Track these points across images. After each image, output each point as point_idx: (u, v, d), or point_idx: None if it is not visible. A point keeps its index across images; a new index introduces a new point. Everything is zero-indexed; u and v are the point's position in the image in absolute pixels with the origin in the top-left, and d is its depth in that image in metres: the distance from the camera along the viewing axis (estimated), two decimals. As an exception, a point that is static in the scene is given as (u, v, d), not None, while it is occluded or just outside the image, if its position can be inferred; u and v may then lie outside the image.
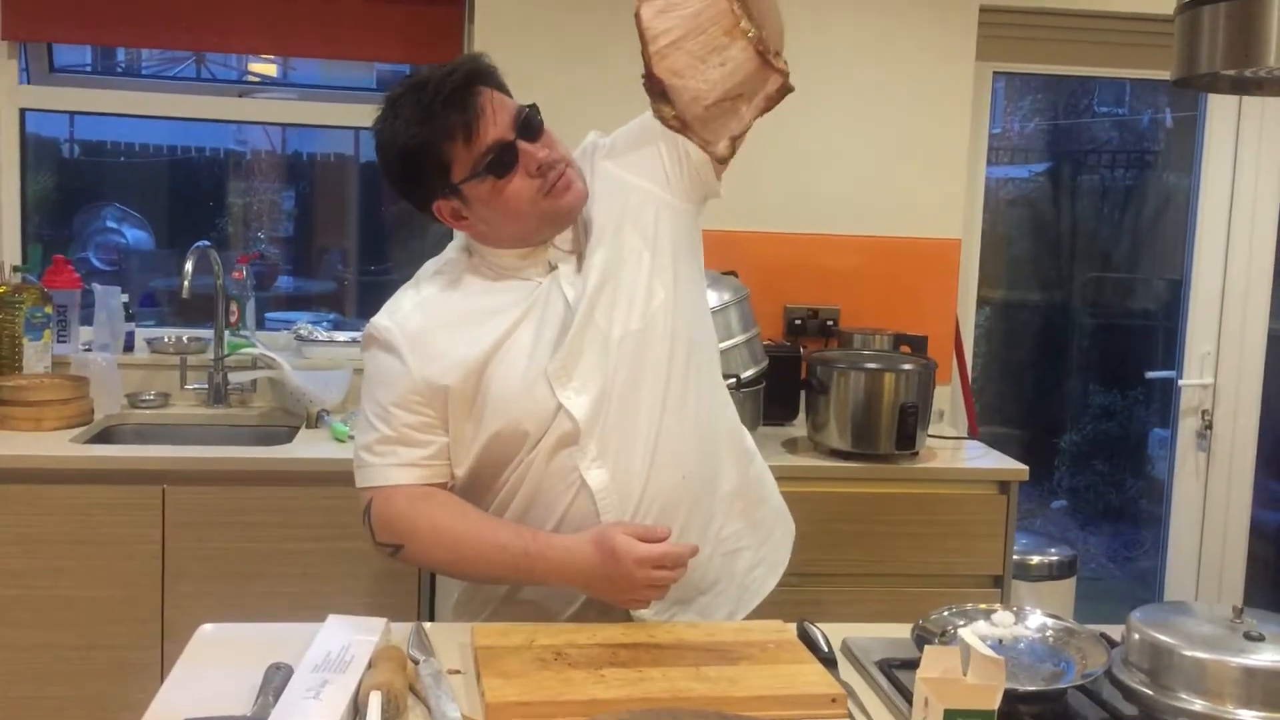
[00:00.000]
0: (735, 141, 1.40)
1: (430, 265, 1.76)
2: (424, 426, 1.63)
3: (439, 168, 1.61)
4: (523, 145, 1.59)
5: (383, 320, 1.67)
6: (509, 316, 1.64)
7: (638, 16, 1.32)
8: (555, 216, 1.64)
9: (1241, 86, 1.56)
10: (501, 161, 1.59)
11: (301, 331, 3.33)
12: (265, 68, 3.77)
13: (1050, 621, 1.53)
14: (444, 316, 1.66)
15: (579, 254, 1.68)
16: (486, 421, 1.62)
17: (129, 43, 3.49)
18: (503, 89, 1.65)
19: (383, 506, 1.64)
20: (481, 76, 1.62)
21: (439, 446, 1.64)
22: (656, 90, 1.36)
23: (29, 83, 3.29)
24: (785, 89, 1.31)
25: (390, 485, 1.64)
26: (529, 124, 1.61)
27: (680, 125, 1.36)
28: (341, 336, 3.35)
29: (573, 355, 1.61)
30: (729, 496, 1.73)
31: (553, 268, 1.67)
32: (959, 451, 3.03)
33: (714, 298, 2.66)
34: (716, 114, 1.32)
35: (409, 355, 1.62)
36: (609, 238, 1.66)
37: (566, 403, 1.60)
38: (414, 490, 1.63)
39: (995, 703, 1.18)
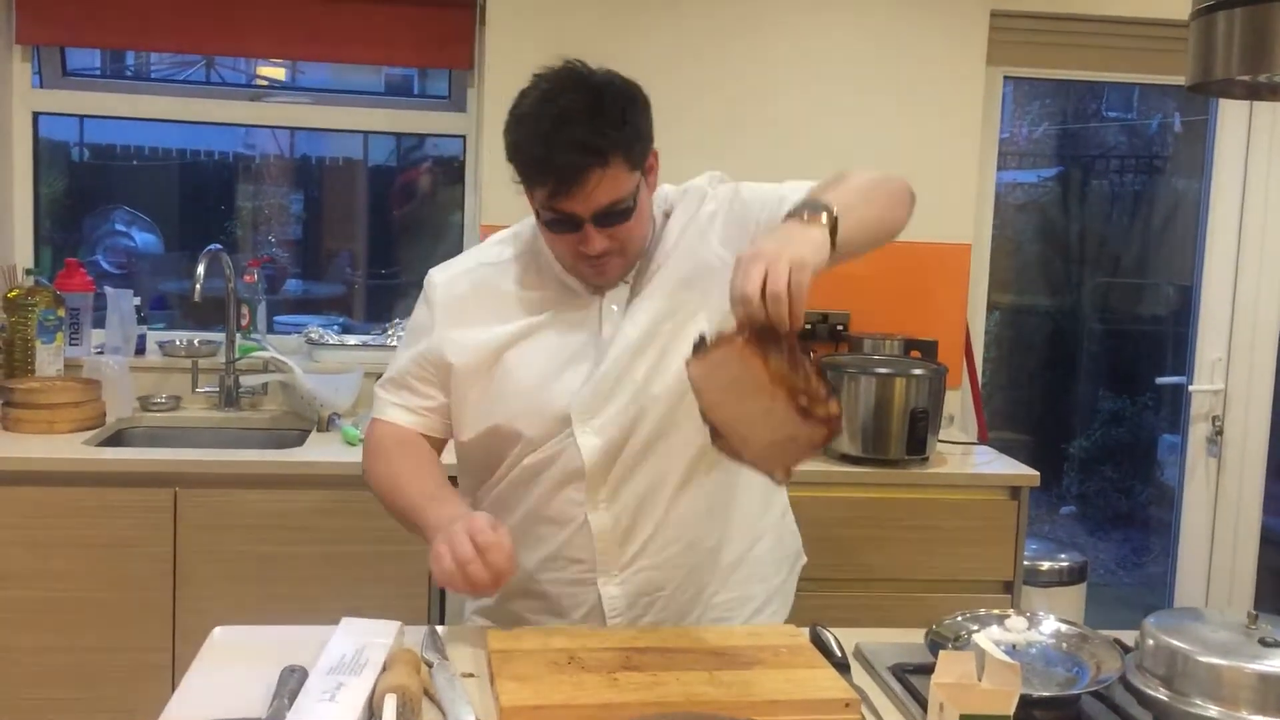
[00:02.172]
0: (790, 470, 1.41)
1: (504, 232, 1.78)
2: (426, 382, 1.72)
3: (521, 175, 1.59)
4: (590, 228, 1.55)
5: (437, 276, 1.75)
6: (538, 315, 1.66)
7: (687, 370, 1.37)
8: (584, 280, 1.65)
9: (1256, 92, 1.56)
10: (560, 223, 1.57)
11: (312, 335, 3.34)
12: (275, 71, 3.78)
13: (1064, 627, 1.52)
14: (483, 294, 1.70)
15: (633, 285, 1.66)
16: (489, 410, 1.67)
17: (141, 46, 3.51)
18: (634, 158, 1.55)
19: (370, 433, 1.78)
20: (615, 150, 1.52)
21: (437, 404, 1.73)
22: (710, 428, 1.40)
23: (42, 86, 3.31)
24: (832, 436, 1.34)
25: (385, 419, 1.75)
26: (610, 216, 1.55)
27: (735, 457, 1.40)
28: (351, 340, 3.36)
29: (600, 396, 1.62)
30: (729, 567, 1.73)
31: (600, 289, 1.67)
32: (969, 457, 3.02)
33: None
34: (769, 453, 1.36)
35: (439, 321, 1.70)
36: (671, 288, 1.64)
37: (581, 439, 1.62)
38: (400, 431, 1.74)
39: (1011, 708, 1.17)
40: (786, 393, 1.29)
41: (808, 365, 1.32)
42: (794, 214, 1.41)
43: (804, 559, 1.90)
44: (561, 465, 1.64)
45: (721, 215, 1.67)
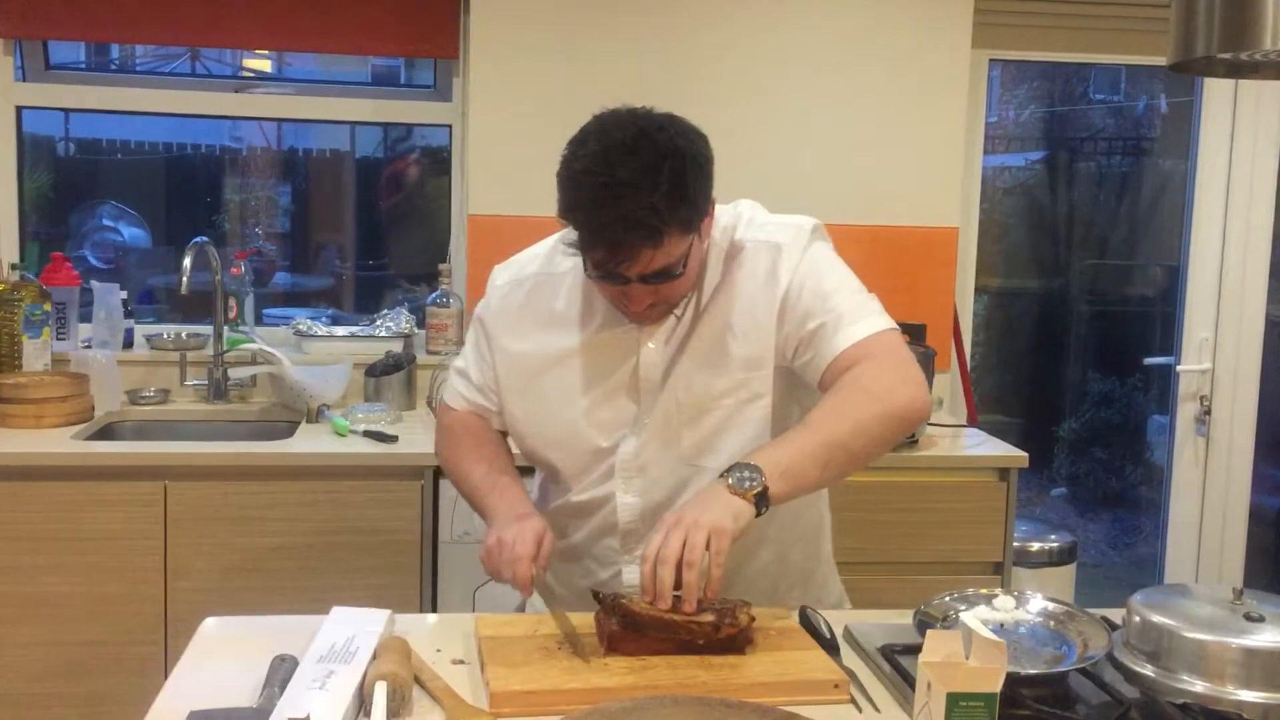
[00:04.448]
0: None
1: (569, 233, 1.65)
2: (485, 377, 1.76)
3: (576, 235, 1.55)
4: (636, 286, 1.53)
5: (500, 276, 1.77)
6: (580, 337, 1.66)
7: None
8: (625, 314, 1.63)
9: (1237, 70, 1.56)
10: (606, 279, 1.55)
11: (300, 327, 3.33)
12: (260, 63, 3.76)
13: (1051, 606, 1.53)
14: (537, 306, 1.70)
15: (678, 327, 1.64)
16: (528, 432, 1.73)
17: (125, 39, 3.48)
18: (690, 226, 1.52)
19: (440, 416, 1.87)
20: (671, 226, 1.48)
21: (497, 400, 1.76)
22: None
23: (25, 80, 3.29)
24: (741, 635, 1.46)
25: (451, 406, 1.82)
26: (659, 276, 1.52)
27: None
28: (340, 331, 3.35)
29: (644, 458, 1.64)
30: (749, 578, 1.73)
31: None
32: (958, 440, 3.03)
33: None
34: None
35: (491, 327, 1.74)
36: (738, 363, 1.62)
37: (621, 498, 1.66)
38: (466, 418, 1.80)
39: (998, 686, 1.18)
40: (677, 644, 1.42)
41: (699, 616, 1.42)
42: (728, 475, 1.44)
43: (848, 605, 1.88)
44: (602, 516, 1.68)
45: (791, 297, 1.62)
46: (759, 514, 1.44)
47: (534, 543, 1.55)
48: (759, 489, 1.43)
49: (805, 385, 1.65)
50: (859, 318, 1.59)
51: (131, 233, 3.83)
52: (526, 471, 1.78)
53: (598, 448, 1.66)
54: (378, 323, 3.38)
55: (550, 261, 1.71)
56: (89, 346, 3.16)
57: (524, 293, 1.72)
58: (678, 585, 1.40)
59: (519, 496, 1.68)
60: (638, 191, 1.44)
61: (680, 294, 1.60)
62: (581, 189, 1.48)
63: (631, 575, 1.66)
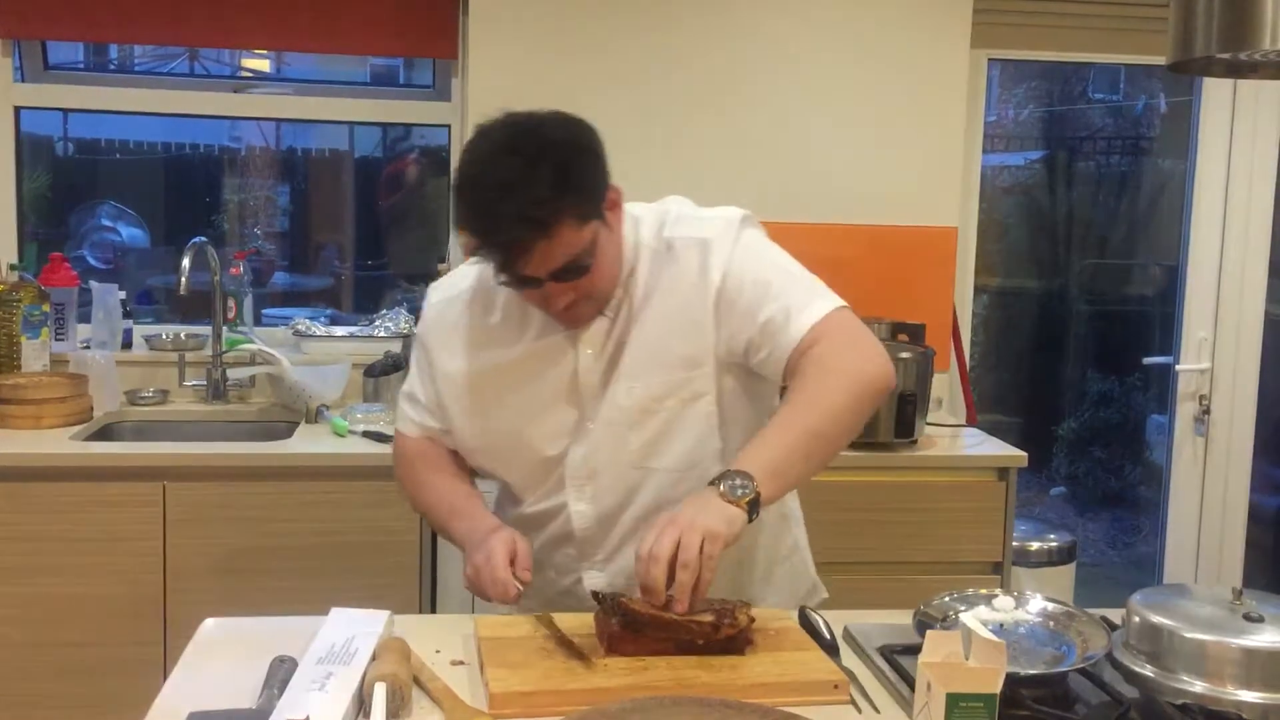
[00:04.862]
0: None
1: None
2: (431, 399, 1.74)
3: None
4: (551, 285, 1.52)
5: (434, 295, 1.76)
6: (516, 350, 1.64)
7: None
8: (558, 321, 1.62)
9: (1236, 70, 1.56)
10: (518, 284, 1.54)
11: (299, 327, 3.33)
12: (259, 63, 3.76)
13: (1051, 606, 1.53)
14: (473, 322, 1.69)
15: (614, 329, 1.63)
16: (475, 448, 1.73)
17: (124, 39, 3.48)
18: (585, 213, 1.50)
19: (395, 445, 1.83)
20: (559, 215, 1.47)
21: (445, 423, 1.74)
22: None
23: (24, 80, 3.29)
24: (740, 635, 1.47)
25: (403, 434, 1.80)
26: (569, 272, 1.52)
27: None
28: (339, 331, 3.35)
29: (592, 465, 1.64)
30: None
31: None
32: (957, 439, 3.03)
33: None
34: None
35: (431, 345, 1.73)
36: (672, 362, 1.60)
37: (574, 506, 1.66)
38: (419, 444, 1.77)
39: (997, 686, 1.18)
40: (677, 645, 1.43)
41: (696, 616, 1.42)
42: (720, 483, 1.45)
43: (823, 594, 1.88)
44: (558, 525, 1.67)
45: (730, 292, 1.60)
46: (750, 519, 1.45)
47: (506, 555, 1.54)
48: (751, 496, 1.44)
49: (756, 376, 1.64)
50: (806, 303, 1.57)
51: (130, 233, 3.83)
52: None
53: (545, 457, 1.66)
54: (377, 323, 3.37)
55: (483, 276, 1.68)
56: (88, 347, 3.16)
57: (458, 309, 1.70)
58: (671, 585, 1.40)
59: (481, 514, 1.67)
60: (520, 188, 1.45)
61: (602, 288, 1.58)
62: (467, 198, 1.51)
63: (592, 581, 1.66)
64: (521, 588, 1.53)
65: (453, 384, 1.70)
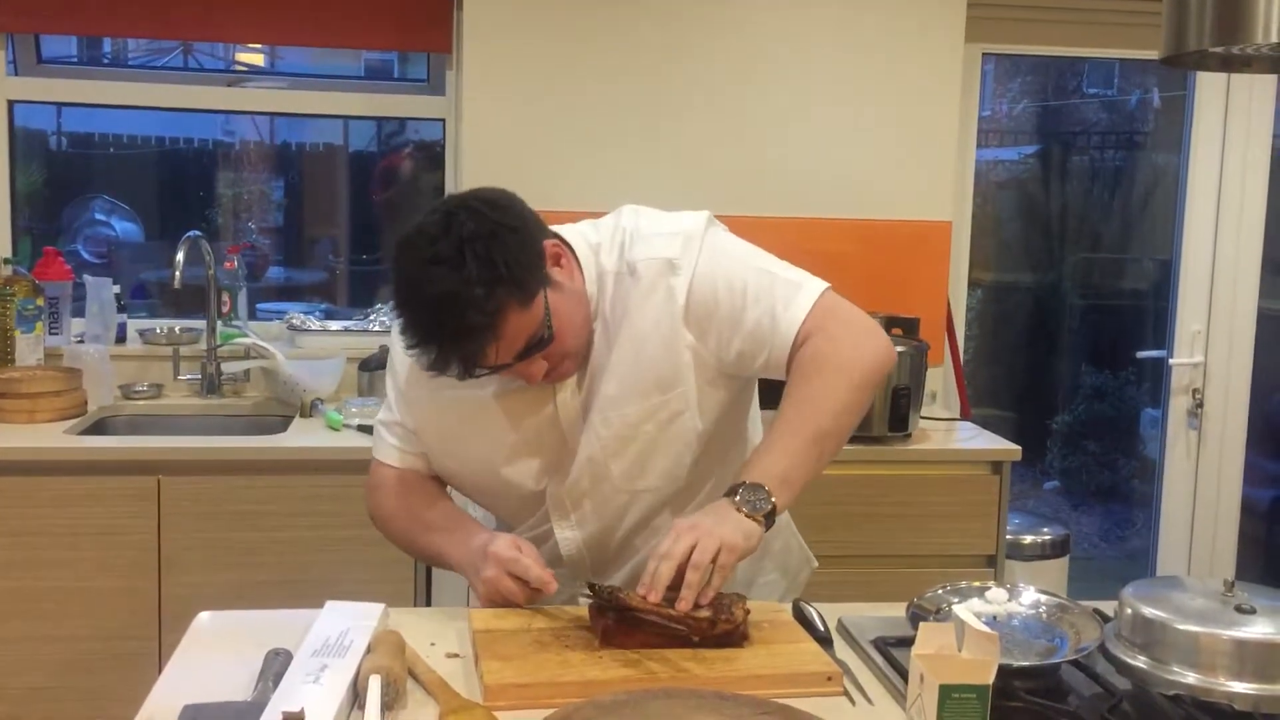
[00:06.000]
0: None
1: None
2: (407, 427, 1.71)
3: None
4: (519, 366, 1.51)
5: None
6: (490, 385, 1.60)
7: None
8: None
9: (1230, 64, 1.56)
10: (491, 372, 1.53)
11: (294, 321, 3.33)
12: (253, 57, 3.75)
13: (1044, 598, 1.53)
14: None
15: (587, 351, 1.61)
16: (459, 482, 1.73)
17: (118, 33, 3.48)
18: (526, 293, 1.47)
19: (371, 471, 1.76)
20: (500, 311, 1.44)
21: (423, 449, 1.72)
22: None
23: (17, 74, 3.28)
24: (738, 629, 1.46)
25: (382, 460, 1.74)
26: (530, 349, 1.50)
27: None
28: (334, 325, 3.35)
29: (577, 493, 1.63)
30: None
31: None
32: (951, 433, 3.04)
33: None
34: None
35: (400, 377, 1.69)
36: (646, 388, 1.58)
37: (560, 533, 1.66)
38: (398, 470, 1.72)
39: (990, 678, 1.18)
40: (672, 639, 1.42)
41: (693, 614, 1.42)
42: (735, 496, 1.46)
43: (813, 563, 1.89)
44: (546, 550, 1.66)
45: (693, 304, 1.56)
46: (766, 530, 1.46)
47: (515, 551, 1.53)
48: (769, 509, 1.45)
49: (741, 381, 1.65)
50: (790, 298, 1.55)
51: (124, 227, 3.81)
52: None
53: (528, 492, 1.65)
54: (371, 317, 3.37)
55: None
56: (82, 341, 3.16)
57: None
58: (675, 586, 1.41)
59: (472, 531, 1.63)
60: (451, 298, 1.42)
61: (573, 345, 1.56)
62: (408, 319, 1.48)
63: (586, 601, 1.65)
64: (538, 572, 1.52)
65: (430, 423, 1.67)
